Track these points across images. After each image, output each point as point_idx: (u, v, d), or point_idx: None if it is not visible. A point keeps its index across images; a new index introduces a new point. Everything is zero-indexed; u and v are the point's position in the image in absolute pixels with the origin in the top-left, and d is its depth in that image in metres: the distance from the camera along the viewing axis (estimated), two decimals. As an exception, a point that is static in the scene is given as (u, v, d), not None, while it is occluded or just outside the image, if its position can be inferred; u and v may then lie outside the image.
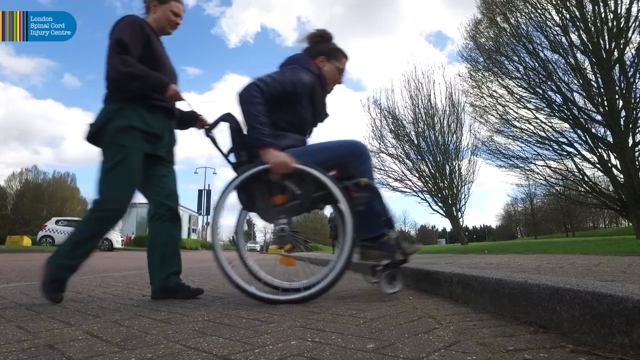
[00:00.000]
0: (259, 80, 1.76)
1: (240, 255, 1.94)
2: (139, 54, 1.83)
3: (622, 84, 9.33)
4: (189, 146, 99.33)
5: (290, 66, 1.92)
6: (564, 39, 10.06)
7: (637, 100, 9.24)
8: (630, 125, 9.31)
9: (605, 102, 9.42)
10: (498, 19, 11.41)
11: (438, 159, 15.71)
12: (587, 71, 9.84)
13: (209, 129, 1.94)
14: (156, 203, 1.95)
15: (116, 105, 1.81)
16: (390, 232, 1.78)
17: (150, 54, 1.87)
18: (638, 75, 9.17)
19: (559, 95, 10.35)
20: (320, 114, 2.01)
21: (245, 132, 1.86)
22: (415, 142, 16.05)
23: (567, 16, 9.74)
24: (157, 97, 1.87)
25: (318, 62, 2.00)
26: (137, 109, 1.83)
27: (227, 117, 1.90)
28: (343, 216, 1.68)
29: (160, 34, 2.01)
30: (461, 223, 16.26)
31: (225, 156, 1.91)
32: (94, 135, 1.85)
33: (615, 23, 9.15)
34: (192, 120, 2.11)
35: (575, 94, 10.14)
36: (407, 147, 16.16)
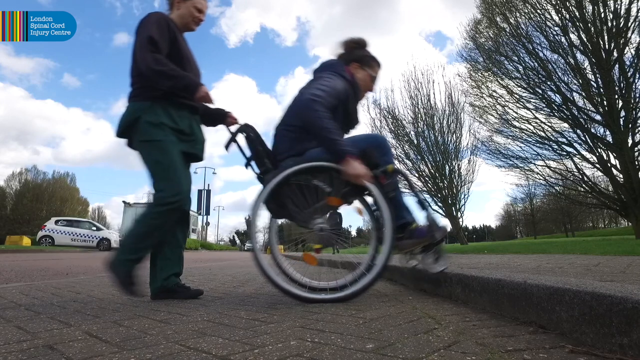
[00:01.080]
0: (316, 96, 1.73)
1: (275, 258, 1.94)
2: (166, 51, 1.83)
3: (622, 84, 9.34)
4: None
5: (327, 73, 1.91)
6: (563, 39, 10.09)
7: (637, 100, 9.25)
8: (630, 125, 9.32)
9: (605, 102, 9.43)
10: (498, 19, 11.43)
11: (438, 159, 15.71)
12: (587, 71, 9.86)
13: (228, 144, 1.93)
14: None
15: (145, 103, 1.83)
16: (426, 213, 1.81)
17: (176, 52, 1.88)
18: (637, 75, 9.19)
19: (558, 95, 10.37)
20: (352, 121, 2.02)
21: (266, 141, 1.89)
22: (415, 142, 16.07)
23: (567, 16, 9.76)
24: (181, 94, 1.87)
25: (352, 68, 2.01)
26: (165, 106, 1.84)
27: (245, 128, 1.90)
28: (375, 207, 1.70)
29: (183, 30, 2.01)
30: (461, 223, 16.26)
31: (248, 162, 1.91)
32: (124, 133, 1.87)
33: (614, 23, 9.16)
34: (220, 117, 2.10)
35: (574, 93, 10.16)
36: (406, 147, 16.18)
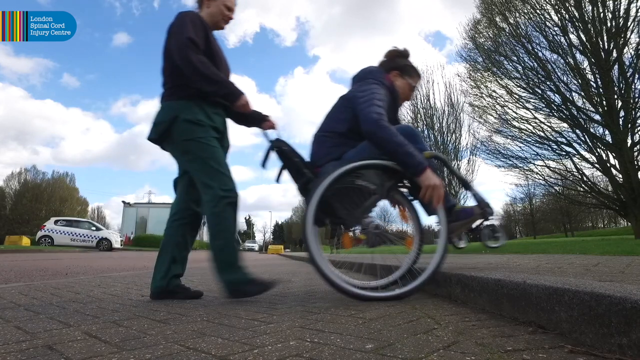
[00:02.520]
0: (381, 114, 1.74)
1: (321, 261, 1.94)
2: (202, 50, 1.83)
3: (621, 84, 9.35)
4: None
5: (371, 83, 1.93)
6: (562, 39, 10.09)
7: (636, 100, 9.26)
8: (629, 125, 9.33)
9: (604, 102, 9.44)
10: (497, 19, 11.43)
11: (437, 158, 15.72)
12: (586, 71, 9.86)
13: (265, 160, 1.91)
14: (183, 205, 1.95)
15: (180, 102, 1.83)
16: (472, 192, 1.86)
17: (209, 50, 1.88)
18: (637, 75, 9.20)
19: (557, 95, 10.37)
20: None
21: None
22: (415, 142, 16.07)
23: (566, 16, 9.77)
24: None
25: (391, 76, 2.04)
26: (201, 104, 1.85)
27: (277, 143, 1.89)
28: (412, 197, 1.76)
29: (212, 29, 2.00)
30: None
31: (279, 176, 1.89)
32: (162, 135, 1.85)
33: (614, 23, 9.17)
34: (257, 120, 2.08)
35: (574, 93, 10.17)
36: (406, 147, 16.17)
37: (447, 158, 1.91)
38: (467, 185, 1.87)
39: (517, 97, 11.38)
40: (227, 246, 1.77)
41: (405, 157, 1.67)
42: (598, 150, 10.01)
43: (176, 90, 1.85)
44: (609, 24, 9.24)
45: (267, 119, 2.08)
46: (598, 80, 9.62)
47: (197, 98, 1.84)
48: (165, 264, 1.89)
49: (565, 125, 10.56)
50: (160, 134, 1.85)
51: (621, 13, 9.05)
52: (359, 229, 1.78)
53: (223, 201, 1.77)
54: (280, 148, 1.86)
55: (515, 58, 11.06)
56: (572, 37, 9.88)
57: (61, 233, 17.64)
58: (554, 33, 10.19)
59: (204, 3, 2.00)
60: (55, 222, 18.32)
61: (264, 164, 1.91)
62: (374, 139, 1.72)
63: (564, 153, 10.77)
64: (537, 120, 11.08)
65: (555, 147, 10.87)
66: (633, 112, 9.29)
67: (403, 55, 2.14)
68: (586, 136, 10.12)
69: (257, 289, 1.77)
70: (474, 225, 1.90)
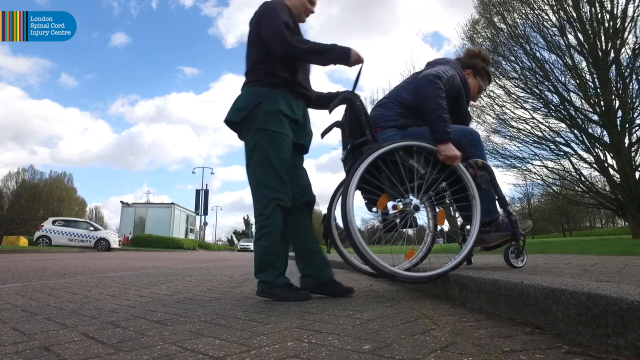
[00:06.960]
0: (439, 77, 1.81)
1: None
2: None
3: (619, 84, 9.39)
4: (186, 146, 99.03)
5: (446, 67, 1.97)
6: (561, 40, 10.13)
7: (633, 100, 9.30)
8: (627, 126, 9.38)
9: (602, 102, 9.47)
10: (495, 19, 11.46)
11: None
12: (584, 71, 9.91)
13: (330, 109, 1.90)
14: (292, 196, 1.91)
15: (265, 89, 1.81)
16: (506, 211, 1.90)
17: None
18: (634, 75, 9.24)
19: (556, 96, 10.42)
20: (465, 117, 2.10)
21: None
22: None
23: (564, 17, 9.80)
24: (299, 83, 1.88)
25: (465, 73, 2.11)
26: (285, 94, 1.83)
27: (350, 96, 1.86)
28: (468, 195, 1.80)
29: None
30: (459, 223, 16.26)
31: (326, 132, 1.92)
32: (244, 119, 1.82)
33: (611, 24, 9.21)
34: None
35: (572, 94, 10.22)
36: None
37: (494, 172, 2.00)
38: (504, 203, 1.89)
39: (515, 97, 11.43)
40: (272, 248, 1.75)
41: (438, 121, 1.74)
42: (596, 150, 10.07)
43: (262, 76, 1.83)
44: (606, 25, 9.28)
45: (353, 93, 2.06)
46: (596, 80, 9.67)
47: (281, 87, 1.83)
48: (303, 259, 1.89)
49: (563, 125, 10.62)
50: (243, 119, 1.83)
51: (619, 14, 9.09)
52: (402, 202, 1.81)
53: (274, 203, 1.75)
54: (353, 102, 1.84)
55: (513, 58, 11.10)
56: (570, 37, 9.93)
57: (59, 233, 17.58)
58: (552, 33, 10.23)
59: None
60: (53, 222, 18.24)
61: (330, 110, 1.90)
62: (421, 92, 1.79)
63: (562, 153, 10.83)
64: (535, 120, 11.13)
65: (553, 147, 10.93)
66: (630, 112, 9.33)
67: (481, 57, 2.21)
68: (584, 136, 10.17)
69: (291, 295, 1.74)
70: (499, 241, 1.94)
